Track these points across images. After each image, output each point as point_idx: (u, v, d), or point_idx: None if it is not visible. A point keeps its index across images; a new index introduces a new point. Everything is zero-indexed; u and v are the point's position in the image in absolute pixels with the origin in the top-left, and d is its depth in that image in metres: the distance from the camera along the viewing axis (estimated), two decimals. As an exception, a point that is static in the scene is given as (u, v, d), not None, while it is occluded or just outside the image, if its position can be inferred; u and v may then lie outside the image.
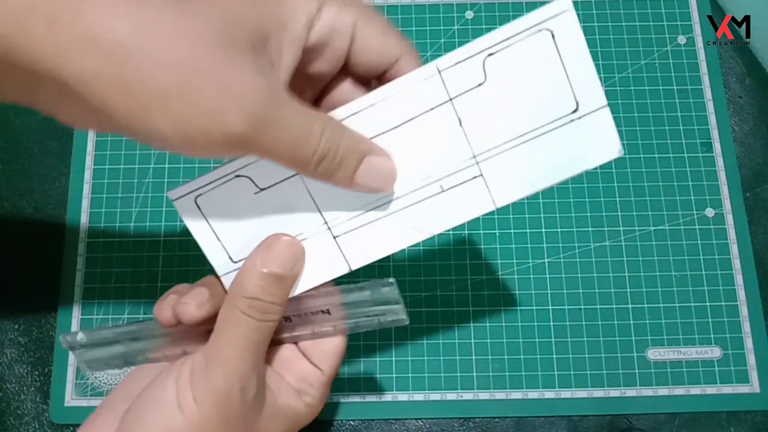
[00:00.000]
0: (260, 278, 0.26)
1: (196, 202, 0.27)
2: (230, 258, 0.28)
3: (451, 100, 0.25)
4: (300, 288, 0.28)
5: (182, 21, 0.19)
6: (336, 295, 0.28)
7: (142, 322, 0.29)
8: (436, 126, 0.25)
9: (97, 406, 0.29)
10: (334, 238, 0.27)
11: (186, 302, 0.27)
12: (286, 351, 0.30)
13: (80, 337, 0.29)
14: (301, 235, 0.27)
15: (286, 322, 0.29)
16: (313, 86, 0.27)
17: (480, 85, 0.25)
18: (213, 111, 0.20)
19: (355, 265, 0.28)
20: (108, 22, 0.18)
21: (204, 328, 0.28)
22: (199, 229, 0.27)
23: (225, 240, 0.27)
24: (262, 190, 0.26)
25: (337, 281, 0.28)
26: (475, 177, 0.26)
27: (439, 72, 0.25)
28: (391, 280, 0.27)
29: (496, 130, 0.25)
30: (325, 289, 0.28)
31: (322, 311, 0.28)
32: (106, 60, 0.18)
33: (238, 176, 0.26)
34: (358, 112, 0.25)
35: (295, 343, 0.30)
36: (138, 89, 0.19)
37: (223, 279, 0.28)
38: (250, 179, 0.26)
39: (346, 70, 0.27)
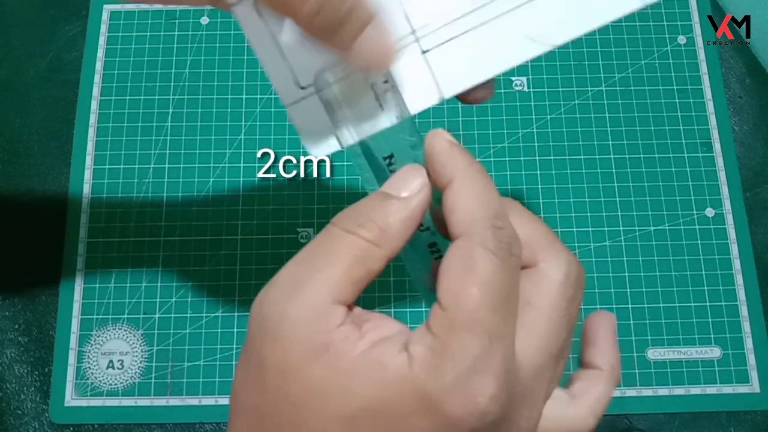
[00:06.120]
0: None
1: (256, 7, 0.21)
2: (297, 83, 0.22)
3: None
4: (382, 124, 0.23)
5: None
6: None
7: None
8: None
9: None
10: (423, 53, 0.22)
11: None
12: None
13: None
14: None
15: None
16: None
17: None
18: None
19: (448, 92, 0.22)
20: None
21: None
22: (260, 44, 0.22)
23: (292, 60, 0.22)
24: None
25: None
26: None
27: None
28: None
29: None
30: None
31: None
32: None
33: None
34: None
35: None
36: None
37: (288, 110, 0.23)
38: None
39: None
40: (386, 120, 0.22)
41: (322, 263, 0.20)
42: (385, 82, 0.22)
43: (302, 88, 0.22)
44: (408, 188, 0.21)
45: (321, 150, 0.23)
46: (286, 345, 0.19)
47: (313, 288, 0.19)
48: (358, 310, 0.20)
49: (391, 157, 0.22)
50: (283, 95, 0.23)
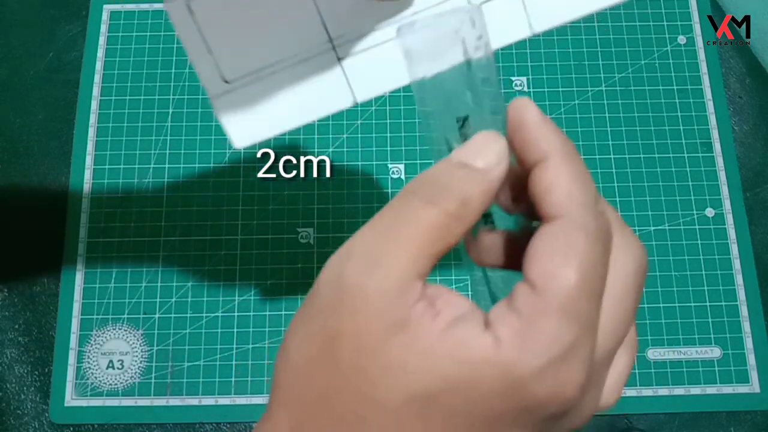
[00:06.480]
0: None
1: (188, 7, 0.23)
2: (222, 77, 0.24)
3: None
4: (292, 125, 0.24)
5: None
6: None
7: None
8: None
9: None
10: (339, 60, 0.24)
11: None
12: None
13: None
14: (301, 54, 0.24)
15: None
16: None
17: None
18: None
19: (362, 98, 0.24)
20: None
21: None
22: (190, 40, 0.23)
23: (217, 55, 0.24)
24: None
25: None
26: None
27: None
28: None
29: None
30: None
31: None
32: None
33: None
34: None
35: None
36: None
37: (213, 101, 0.24)
38: None
39: None
40: (470, 79, 0.21)
41: (404, 236, 0.19)
42: (479, 38, 0.21)
43: (227, 82, 0.24)
44: (486, 158, 0.20)
45: (245, 141, 0.25)
46: (365, 319, 0.18)
47: (395, 262, 0.18)
48: (428, 284, 0.19)
49: (466, 119, 0.21)
50: (209, 88, 0.24)
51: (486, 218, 0.23)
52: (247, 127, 0.25)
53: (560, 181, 0.19)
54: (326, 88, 0.24)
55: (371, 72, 0.23)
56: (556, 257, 0.18)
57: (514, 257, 0.22)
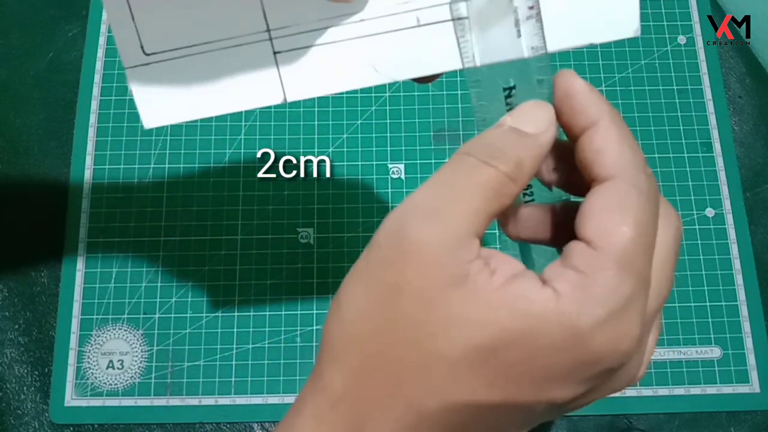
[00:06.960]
0: None
1: None
2: (142, 48, 0.22)
3: None
4: (211, 112, 0.23)
5: None
6: None
7: None
8: None
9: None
10: (275, 53, 0.22)
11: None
12: None
13: None
14: (233, 40, 0.22)
15: None
16: None
17: None
18: None
19: (292, 97, 0.23)
20: None
21: None
22: (112, 2, 0.21)
23: (140, 22, 0.22)
24: None
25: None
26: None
27: None
28: None
29: None
30: None
31: None
32: None
33: None
34: None
35: None
36: None
37: (127, 72, 0.23)
38: None
39: None
40: (520, 49, 0.21)
41: (463, 193, 0.19)
42: (531, 7, 0.21)
43: (146, 54, 0.22)
44: (536, 123, 0.20)
45: (156, 120, 0.23)
46: (427, 272, 0.18)
47: (455, 216, 0.19)
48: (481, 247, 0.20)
49: (512, 89, 0.22)
50: (125, 57, 0.22)
51: (526, 190, 0.23)
52: (161, 106, 0.23)
53: (611, 143, 0.20)
54: (255, 80, 0.22)
55: (307, 72, 0.22)
56: (612, 214, 0.18)
57: (552, 231, 0.22)
